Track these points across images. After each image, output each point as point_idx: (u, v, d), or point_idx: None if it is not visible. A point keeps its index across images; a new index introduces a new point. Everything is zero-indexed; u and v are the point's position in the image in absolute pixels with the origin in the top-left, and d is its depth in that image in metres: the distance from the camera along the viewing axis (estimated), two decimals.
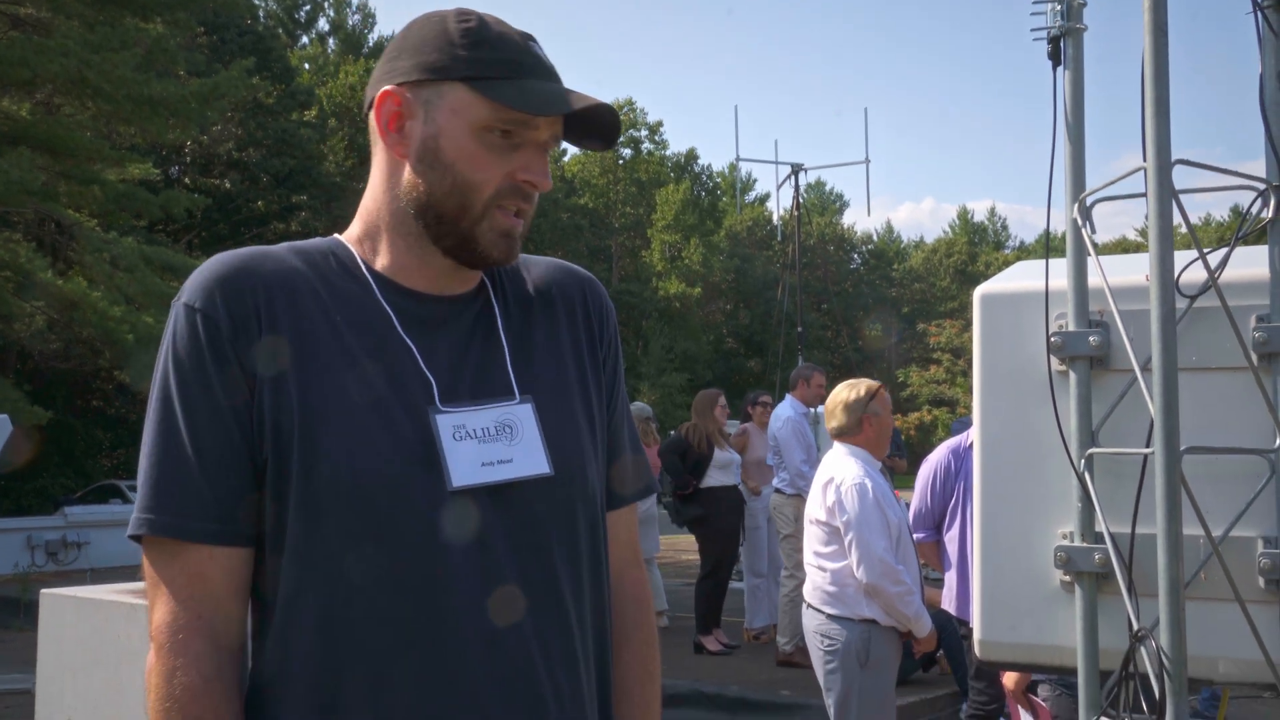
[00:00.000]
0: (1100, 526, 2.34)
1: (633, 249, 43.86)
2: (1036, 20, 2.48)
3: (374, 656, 1.32)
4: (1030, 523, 2.47)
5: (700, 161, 47.73)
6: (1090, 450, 2.37)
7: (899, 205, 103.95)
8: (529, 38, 1.45)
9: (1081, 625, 2.37)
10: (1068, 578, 2.42)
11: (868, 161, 14.60)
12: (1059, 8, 2.45)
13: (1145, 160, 2.16)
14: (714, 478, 8.80)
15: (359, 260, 1.46)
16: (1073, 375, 2.42)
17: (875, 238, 58.46)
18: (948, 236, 60.95)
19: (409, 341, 1.41)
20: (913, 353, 47.75)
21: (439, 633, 1.33)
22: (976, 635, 2.54)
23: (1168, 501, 2.07)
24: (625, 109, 45.37)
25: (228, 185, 29.96)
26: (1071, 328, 2.42)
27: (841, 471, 4.61)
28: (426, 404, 1.38)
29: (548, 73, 1.43)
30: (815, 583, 4.65)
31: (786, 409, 8.51)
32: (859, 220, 59.61)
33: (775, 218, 21.53)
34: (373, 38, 43.09)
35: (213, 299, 1.35)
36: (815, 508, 4.70)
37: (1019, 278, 2.62)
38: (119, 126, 17.06)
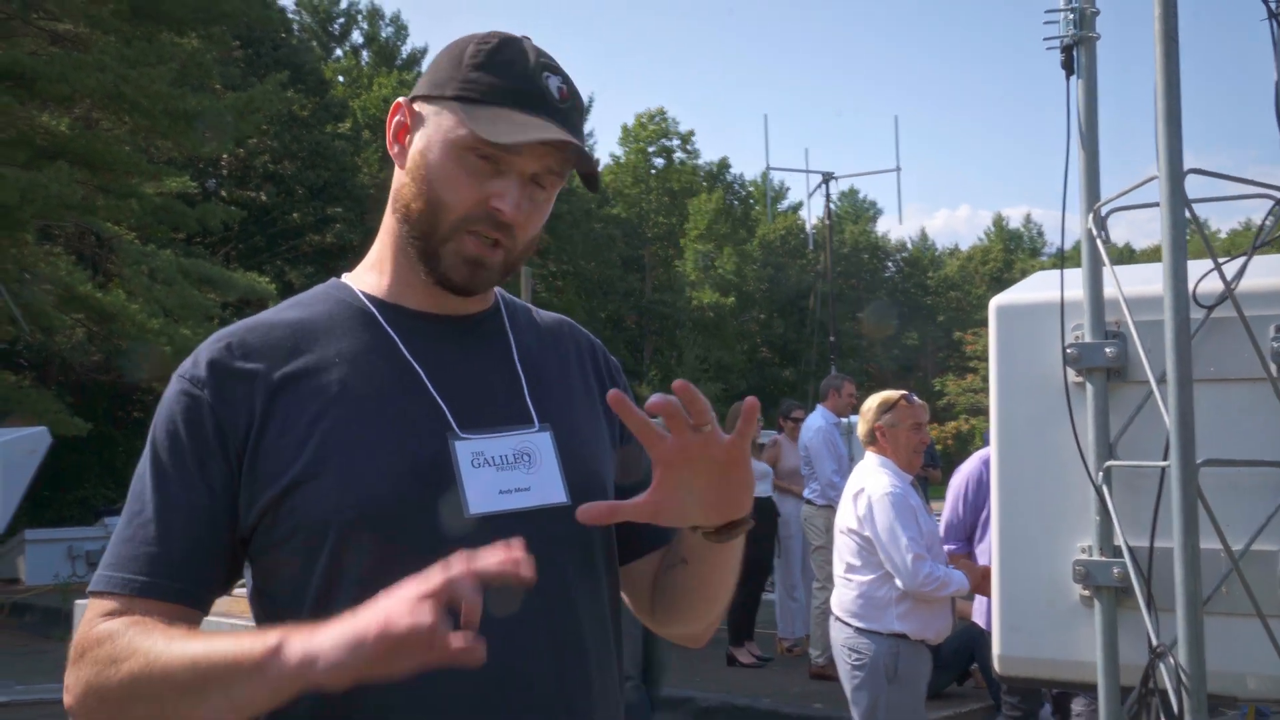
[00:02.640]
0: (1119, 540, 2.31)
1: (666, 259, 43.83)
2: (1049, 29, 2.47)
3: (384, 689, 1.32)
4: (1049, 536, 2.45)
5: (733, 171, 47.75)
6: (1108, 463, 2.34)
7: (934, 212, 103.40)
8: (547, 68, 1.42)
9: (1101, 641, 2.34)
10: (1087, 592, 2.39)
11: (898, 169, 14.57)
12: (1072, 16, 2.44)
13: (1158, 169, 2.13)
14: None
15: (358, 293, 1.47)
16: (1089, 387, 2.39)
17: (909, 245, 58.17)
18: (983, 244, 60.56)
19: (416, 366, 1.40)
20: (949, 361, 47.44)
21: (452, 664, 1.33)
22: (995, 650, 2.52)
23: (1184, 515, 2.04)
24: (656, 119, 45.43)
25: (264, 198, 30.23)
26: (1088, 339, 2.39)
27: (871, 482, 4.58)
28: (444, 430, 1.37)
29: (545, 105, 1.40)
30: (843, 595, 4.61)
31: (818, 419, 8.46)
32: (893, 228, 59.38)
33: (808, 226, 21.48)
34: (406, 50, 43.37)
35: (202, 371, 1.37)
36: (845, 518, 4.67)
37: (1035, 288, 2.60)
38: (156, 141, 17.27)
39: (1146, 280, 2.35)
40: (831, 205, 15.44)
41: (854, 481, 4.71)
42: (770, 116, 16.04)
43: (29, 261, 16.23)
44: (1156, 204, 2.13)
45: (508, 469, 1.39)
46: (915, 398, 4.79)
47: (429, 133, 1.41)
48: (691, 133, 46.08)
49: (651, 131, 45.17)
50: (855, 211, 56.95)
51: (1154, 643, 2.13)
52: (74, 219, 16.00)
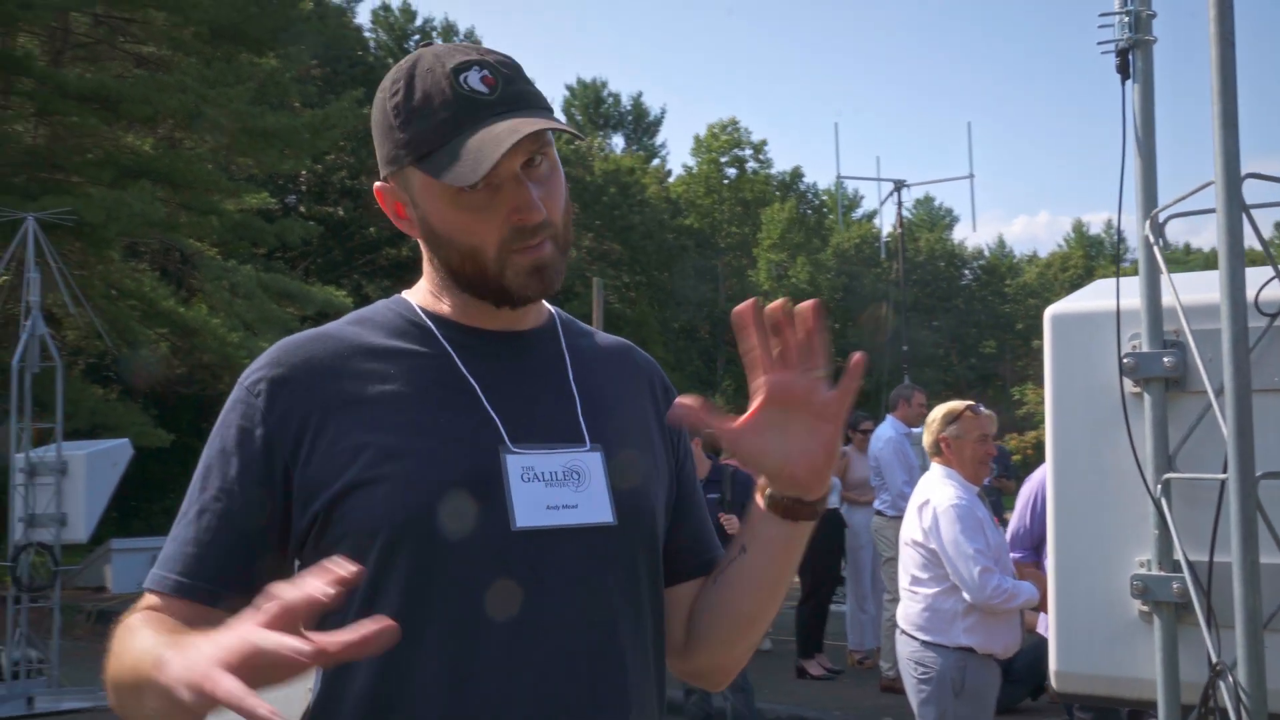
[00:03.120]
0: (1178, 555, 2.25)
1: (739, 268, 43.75)
2: (1104, 33, 2.42)
3: (425, 700, 1.32)
4: (1106, 550, 2.39)
5: (806, 180, 47.53)
6: (1167, 475, 2.29)
7: (1013, 219, 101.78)
8: (459, 69, 1.38)
9: (1161, 658, 2.28)
10: (1146, 608, 2.33)
11: (971, 176, 14.38)
12: (1127, 20, 2.39)
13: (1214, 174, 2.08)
14: None
15: (417, 309, 1.48)
16: (1147, 397, 2.34)
17: (986, 253, 57.34)
18: (1062, 250, 59.48)
19: (471, 380, 1.41)
20: (1028, 370, 46.63)
21: (491, 675, 1.32)
22: (1052, 666, 2.47)
23: (1243, 530, 1.98)
24: (729, 129, 45.39)
25: (341, 213, 30.77)
26: (1145, 348, 2.34)
27: (936, 494, 4.52)
28: (496, 442, 1.37)
29: (481, 107, 1.37)
30: (909, 607, 4.56)
31: (887, 429, 8.39)
32: (969, 236, 58.58)
33: (884, 234, 21.34)
34: None
35: (260, 380, 1.39)
36: (910, 531, 4.62)
37: (1092, 297, 2.55)
38: (236, 158, 17.69)
39: (1206, 288, 2.29)
40: (906, 213, 15.32)
41: (919, 493, 4.65)
42: (842, 125, 15.99)
43: (115, 278, 16.70)
44: (1214, 210, 2.08)
45: (557, 485, 1.38)
46: (982, 408, 4.71)
47: (418, 200, 1.41)
48: (764, 142, 46.02)
49: (724, 141, 45.14)
50: (931, 219, 56.31)
51: (1214, 660, 2.07)
52: (157, 236, 16.42)
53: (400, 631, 1.31)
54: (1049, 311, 2.55)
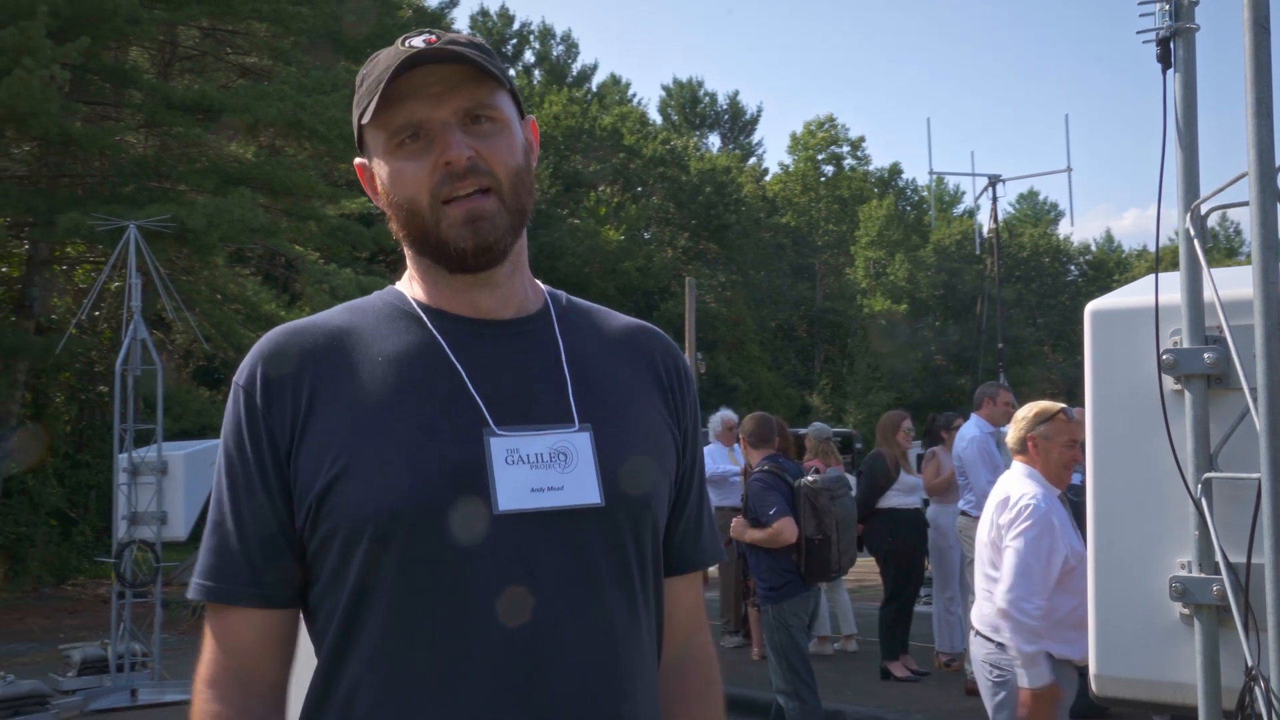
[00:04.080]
0: (1219, 556, 2.19)
1: (836, 266, 43.38)
2: (1144, 22, 2.36)
3: (418, 688, 1.34)
4: (1147, 551, 2.34)
5: (904, 176, 46.93)
6: (1207, 474, 2.23)
7: (1123, 212, 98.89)
8: (413, 35, 1.43)
9: (1201, 661, 2.22)
10: (1186, 610, 2.27)
11: (1069, 170, 14.04)
12: (1167, 7, 2.33)
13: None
14: (894, 499, 8.60)
15: (410, 299, 1.50)
16: (1188, 395, 2.27)
17: (1093, 248, 55.91)
18: (1174, 244, 57.67)
19: (459, 366, 1.41)
20: None
21: (480, 661, 1.33)
22: (1091, 669, 2.41)
23: (1274, 531, 1.92)
24: (825, 126, 45.01)
25: None
26: (1186, 345, 2.28)
27: (1015, 493, 4.41)
28: (480, 425, 1.37)
29: (412, 57, 1.39)
30: (984, 608, 4.46)
31: (972, 428, 8.23)
32: (1071, 230, 57.10)
33: (985, 229, 20.98)
34: (576, 67, 44.22)
35: (254, 376, 1.43)
36: (985, 528, 4.52)
37: (1136, 293, 2.49)
38: (336, 165, 18.09)
39: (1248, 282, 2.22)
40: (1009, 208, 15.05)
41: (998, 490, 4.55)
42: (939, 120, 15.78)
43: (219, 283, 17.20)
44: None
45: (542, 467, 1.38)
46: (1075, 413, 4.59)
47: (374, 166, 1.47)
48: (862, 139, 45.58)
49: (820, 139, 44.81)
50: (1035, 214, 55.10)
51: (1249, 664, 2.01)
52: (259, 241, 16.86)
53: (392, 622, 1.34)
54: (1089, 308, 2.50)
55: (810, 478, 6.25)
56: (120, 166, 16.00)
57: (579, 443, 1.41)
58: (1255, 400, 2.03)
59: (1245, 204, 2.16)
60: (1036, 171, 41.54)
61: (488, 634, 1.33)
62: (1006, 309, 15.46)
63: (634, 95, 46.38)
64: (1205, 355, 2.24)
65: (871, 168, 46.31)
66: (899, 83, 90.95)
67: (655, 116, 46.68)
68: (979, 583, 4.51)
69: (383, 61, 1.42)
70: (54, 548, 16.70)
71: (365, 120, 1.40)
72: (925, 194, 46.25)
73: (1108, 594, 2.39)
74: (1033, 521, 4.25)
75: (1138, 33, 2.36)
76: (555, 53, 43.82)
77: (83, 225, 12.63)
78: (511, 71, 42.25)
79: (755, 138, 51.94)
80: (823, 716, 6.22)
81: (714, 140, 48.54)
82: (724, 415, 10.73)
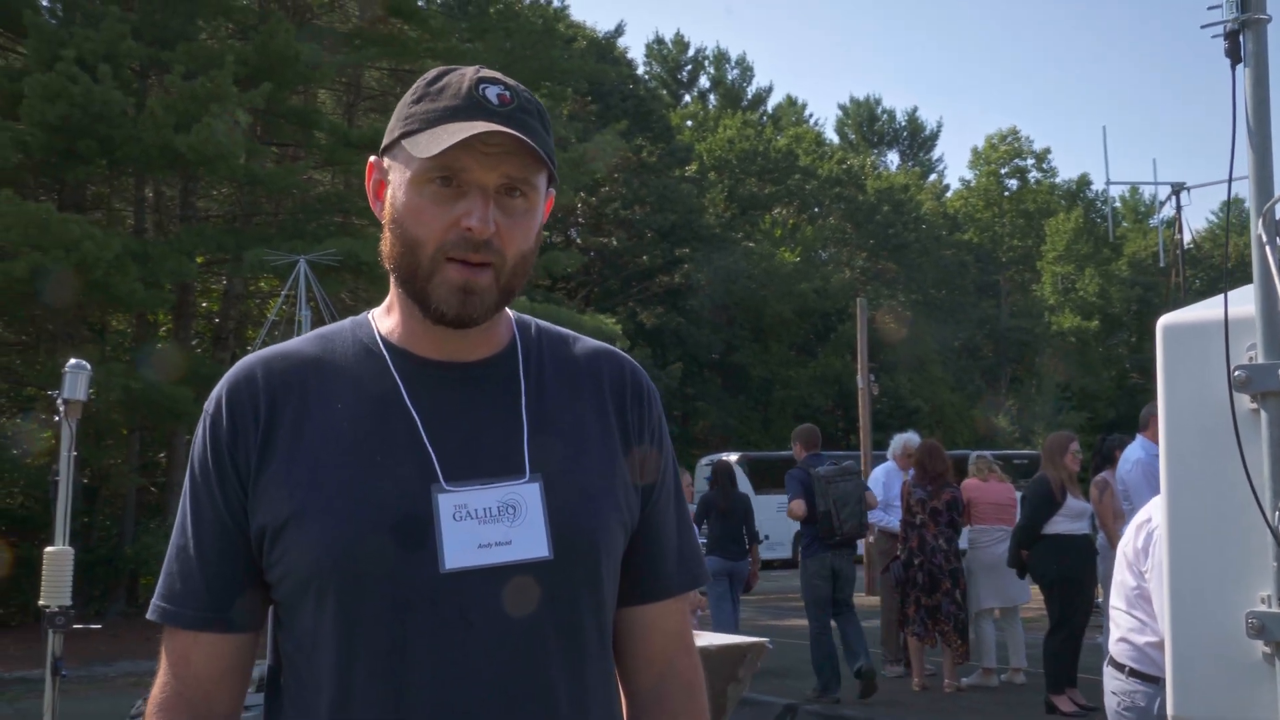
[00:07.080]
0: None
1: (1022, 283, 41.96)
2: (1212, 15, 2.20)
3: None
4: (1224, 584, 2.16)
5: (1093, 188, 45.08)
6: None
7: None
8: (485, 81, 1.40)
9: None
10: (1268, 648, 2.09)
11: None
12: None
13: None
14: (1060, 525, 8.22)
15: (377, 334, 1.48)
16: (1264, 414, 2.10)
17: None
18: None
19: (415, 414, 1.40)
20: None
21: (415, 714, 1.32)
22: (1170, 710, 2.24)
23: None
24: (1008, 139, 43.70)
25: (614, 242, 31.73)
26: (1261, 359, 2.11)
27: (1160, 515, 4.16)
28: (430, 481, 1.36)
29: (483, 111, 1.37)
30: (1116, 635, 4.23)
31: (1136, 450, 7.81)
32: None
33: (1186, 241, 19.99)
34: (751, 90, 44.26)
35: (220, 405, 1.44)
36: (1125, 551, 4.29)
37: (1214, 306, 2.31)
38: None
39: None
40: (1212, 218, 14.28)
41: (1142, 513, 4.30)
42: (1120, 128, 15.13)
43: None
44: None
45: (490, 522, 1.35)
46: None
47: (393, 179, 1.42)
48: (1047, 151, 44.04)
49: (1003, 152, 43.54)
50: (1242, 223, 52.07)
51: None
52: None
53: (336, 674, 1.35)
54: (1161, 322, 2.34)
55: (822, 469, 8.66)
56: (305, 204, 16.83)
57: (528, 495, 1.38)
58: None
59: None
60: (1224, 178, 39.16)
61: (425, 690, 1.32)
62: None
63: (810, 115, 46.09)
64: None
65: (1058, 180, 44.71)
66: (1082, 91, 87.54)
67: (832, 136, 46.24)
68: (1114, 606, 4.27)
69: (449, 94, 1.40)
70: None
71: (419, 155, 1.36)
72: (1119, 204, 44.35)
73: (1184, 630, 2.22)
74: None
75: (1203, 26, 2.20)
76: (730, 76, 43.98)
77: (262, 261, 13.29)
78: (687, 98, 42.66)
79: (935, 153, 50.72)
80: (830, 648, 8.58)
81: (893, 158, 47.81)
82: (905, 439, 10.34)
